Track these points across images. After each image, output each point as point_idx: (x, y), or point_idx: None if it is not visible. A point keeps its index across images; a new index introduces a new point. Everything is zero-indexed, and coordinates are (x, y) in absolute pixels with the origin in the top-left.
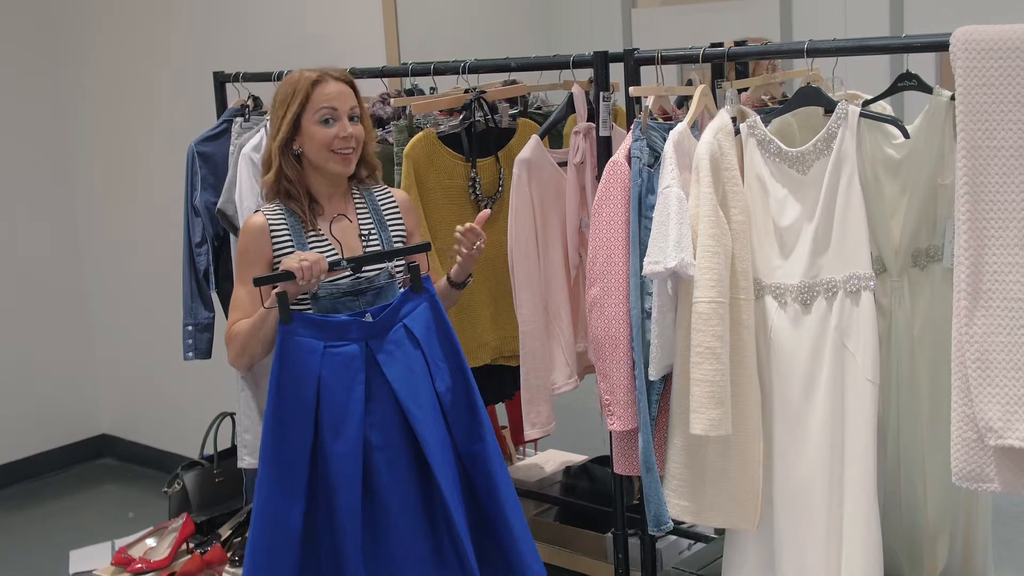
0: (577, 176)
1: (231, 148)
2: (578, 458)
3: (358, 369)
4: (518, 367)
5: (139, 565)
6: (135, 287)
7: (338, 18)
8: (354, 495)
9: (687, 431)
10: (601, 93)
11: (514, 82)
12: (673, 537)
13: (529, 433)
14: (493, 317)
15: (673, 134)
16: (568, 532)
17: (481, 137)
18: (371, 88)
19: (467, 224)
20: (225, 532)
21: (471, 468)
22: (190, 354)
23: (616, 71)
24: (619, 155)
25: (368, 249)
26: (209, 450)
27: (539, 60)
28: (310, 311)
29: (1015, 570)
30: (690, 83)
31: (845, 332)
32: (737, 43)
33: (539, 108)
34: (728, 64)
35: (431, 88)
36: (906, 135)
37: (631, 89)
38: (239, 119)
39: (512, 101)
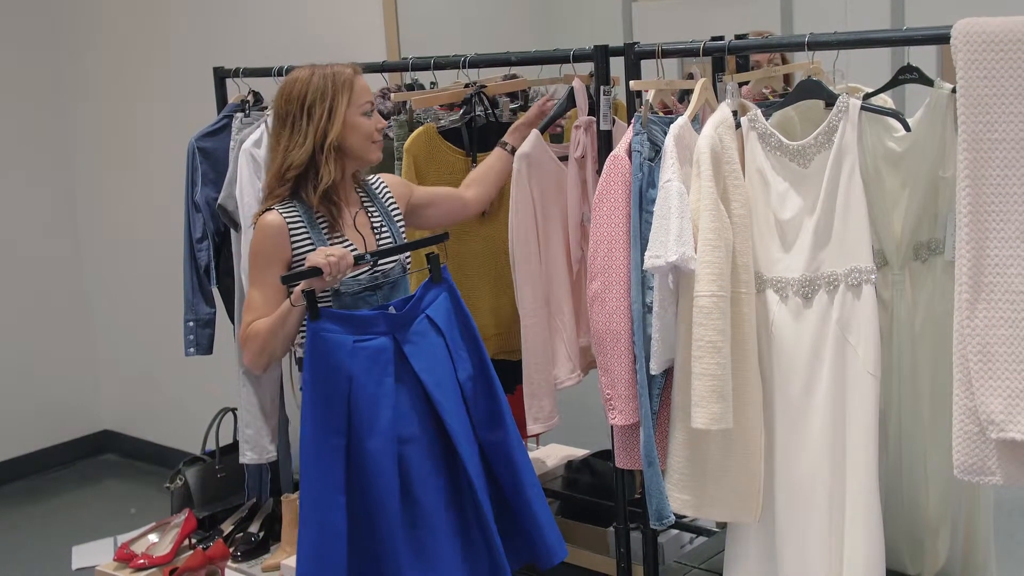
0: (578, 170)
1: (231, 144)
2: (580, 452)
3: (387, 361)
4: (519, 361)
5: (141, 561)
6: (136, 283)
7: (338, 13)
8: (390, 490)
9: (688, 425)
10: (602, 87)
11: (515, 76)
12: (675, 531)
13: (531, 428)
14: (494, 311)
15: (674, 128)
16: (570, 526)
17: (482, 132)
18: (371, 83)
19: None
20: (227, 528)
21: (492, 456)
22: (191, 350)
23: (616, 65)
24: (620, 149)
25: (381, 242)
26: (211, 446)
27: (540, 54)
28: (330, 306)
29: (1017, 563)
30: (691, 76)
31: (846, 325)
32: (738, 36)
33: None
34: (729, 57)
35: (431, 83)
36: (907, 128)
37: (632, 83)
38: (239, 115)
39: (513, 95)
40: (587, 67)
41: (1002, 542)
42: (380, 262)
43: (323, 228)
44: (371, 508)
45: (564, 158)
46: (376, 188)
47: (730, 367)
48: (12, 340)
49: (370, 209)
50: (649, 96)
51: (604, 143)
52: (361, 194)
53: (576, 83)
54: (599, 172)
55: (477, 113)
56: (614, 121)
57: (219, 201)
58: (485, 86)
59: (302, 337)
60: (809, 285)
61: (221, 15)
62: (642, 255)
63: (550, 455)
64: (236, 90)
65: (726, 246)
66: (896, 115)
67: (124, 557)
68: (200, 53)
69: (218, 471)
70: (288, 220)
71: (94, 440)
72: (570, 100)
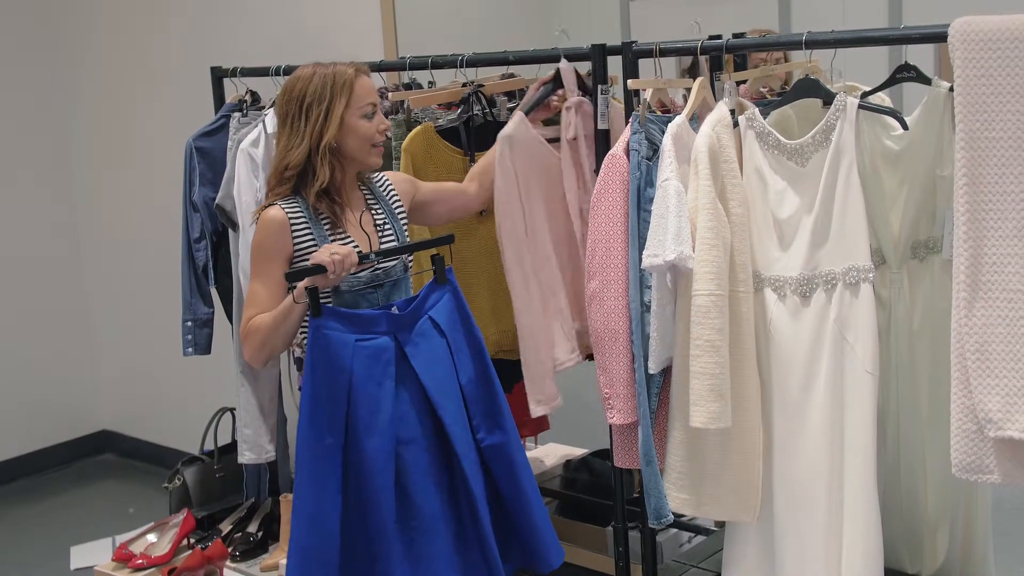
0: (571, 152)
1: (229, 143)
2: (578, 451)
3: (388, 362)
4: (519, 361)
5: (140, 561)
6: (134, 283)
7: (336, 12)
8: (387, 491)
9: (687, 424)
10: (599, 86)
11: (512, 75)
12: (673, 530)
13: (535, 410)
14: (492, 311)
15: (671, 127)
16: (568, 525)
17: (479, 131)
18: None
19: None
20: (226, 527)
21: (491, 459)
22: (189, 350)
23: (614, 64)
24: (617, 148)
25: (384, 241)
26: (209, 445)
27: (537, 53)
28: (330, 303)
29: (1015, 560)
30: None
31: (844, 324)
32: (736, 35)
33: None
34: (726, 56)
35: (429, 82)
36: (905, 127)
37: (629, 82)
38: (237, 114)
39: (510, 94)
40: (584, 66)
41: (1000, 540)
42: (382, 261)
43: (325, 225)
44: (366, 507)
45: (554, 140)
46: (381, 187)
47: (728, 366)
48: (10, 340)
49: (374, 208)
50: (647, 95)
51: (601, 142)
52: (365, 192)
53: (563, 64)
54: (596, 154)
55: (475, 112)
56: (611, 103)
57: (217, 201)
58: (483, 85)
59: (302, 337)
60: (807, 284)
61: (219, 15)
62: (640, 254)
63: (549, 454)
64: (234, 90)
65: (724, 245)
66: (894, 114)
67: (123, 557)
68: (198, 52)
69: (216, 471)
70: (290, 215)
71: (93, 440)
72: (557, 82)
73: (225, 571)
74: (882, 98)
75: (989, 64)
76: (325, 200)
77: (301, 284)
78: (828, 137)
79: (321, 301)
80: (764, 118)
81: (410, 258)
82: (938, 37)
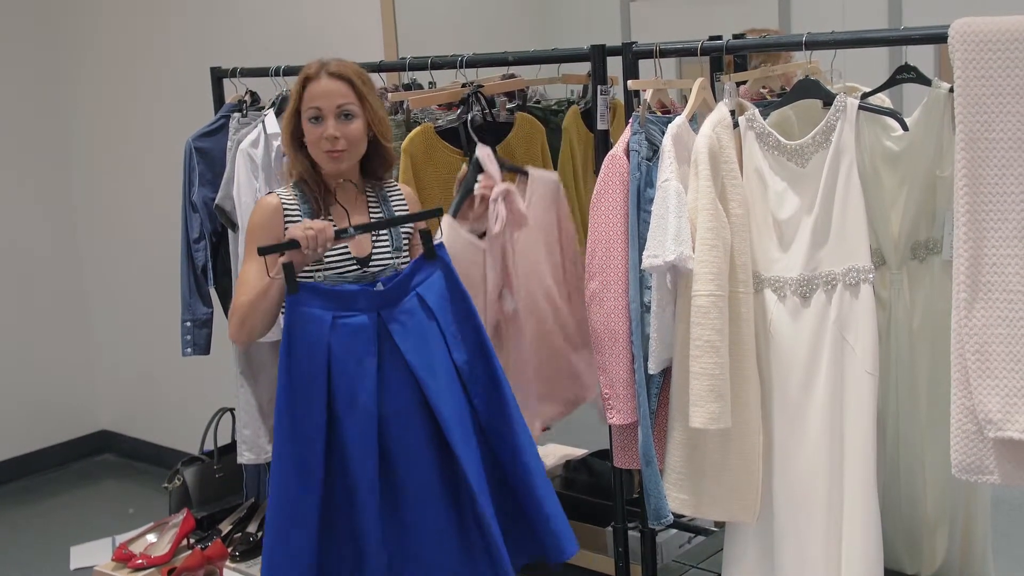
0: (494, 246)
1: (228, 144)
2: (578, 452)
3: (368, 340)
4: None
5: (140, 561)
6: (134, 283)
7: (336, 13)
8: (370, 467)
9: (687, 424)
10: (599, 87)
11: (512, 76)
12: (673, 530)
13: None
14: None
15: (671, 127)
16: None
17: (479, 131)
18: None
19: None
20: (225, 527)
21: (496, 445)
22: (188, 350)
23: (614, 65)
24: (617, 149)
25: (378, 246)
26: (209, 446)
27: (537, 54)
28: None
29: (1014, 561)
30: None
31: (844, 325)
32: (736, 36)
33: (537, 102)
34: (726, 57)
35: (429, 83)
36: (905, 127)
37: (629, 82)
38: (236, 114)
39: (510, 95)
40: (585, 67)
41: (1000, 541)
42: (371, 264)
43: (318, 216)
44: (350, 486)
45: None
46: (390, 193)
47: (728, 367)
48: (10, 340)
49: (374, 212)
50: (647, 96)
51: (601, 143)
52: (370, 195)
53: (479, 151)
54: (596, 155)
55: (475, 113)
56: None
57: (216, 201)
58: (483, 86)
59: None
60: (807, 284)
61: (218, 15)
62: (640, 255)
63: (549, 454)
64: (233, 90)
65: (724, 246)
66: (894, 114)
67: (122, 557)
68: (197, 53)
69: (216, 471)
70: (284, 202)
71: (92, 440)
72: (477, 169)
73: (225, 571)
74: (882, 99)
75: (989, 65)
76: (307, 188)
77: (277, 259)
78: (828, 138)
79: (303, 278)
80: (764, 119)
81: (403, 263)
82: (938, 38)
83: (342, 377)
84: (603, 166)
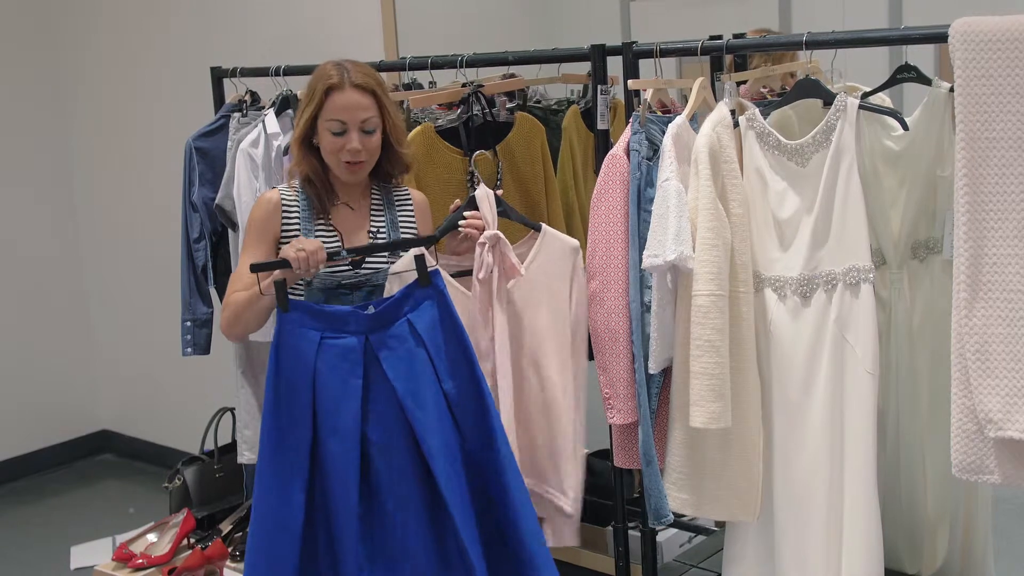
0: (483, 290)
1: (229, 143)
2: None
3: (355, 363)
4: None
5: (140, 560)
6: (134, 283)
7: (336, 12)
8: (350, 492)
9: (687, 424)
10: (599, 86)
11: (512, 76)
12: (674, 530)
13: None
14: None
15: (672, 127)
16: None
17: (479, 131)
18: None
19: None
20: (226, 527)
21: (484, 477)
22: (188, 350)
23: (614, 64)
24: (618, 148)
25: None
26: (209, 445)
27: (537, 54)
28: (301, 297)
29: (1015, 561)
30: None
31: (844, 324)
32: (736, 36)
33: (538, 102)
34: (727, 57)
35: (429, 82)
36: (905, 127)
37: (629, 82)
38: (237, 114)
39: (510, 95)
40: (585, 66)
41: (1000, 540)
42: (365, 265)
43: (319, 220)
44: (330, 508)
45: (464, 275)
46: (396, 197)
47: (728, 366)
48: (11, 339)
49: (376, 214)
50: (647, 95)
51: (601, 142)
52: (375, 198)
53: (480, 191)
54: (596, 155)
55: (475, 112)
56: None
57: (217, 201)
58: (483, 85)
59: None
60: (807, 284)
61: (218, 15)
62: (640, 254)
63: None
64: (233, 90)
65: (724, 245)
66: (894, 114)
67: (123, 557)
68: (197, 53)
69: (217, 471)
70: (284, 199)
71: (93, 440)
72: (469, 206)
73: (225, 571)
74: (882, 98)
75: (989, 64)
76: (311, 188)
77: (268, 280)
78: (828, 137)
79: (293, 295)
80: (764, 118)
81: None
82: (938, 38)
83: (326, 400)
84: (603, 166)
